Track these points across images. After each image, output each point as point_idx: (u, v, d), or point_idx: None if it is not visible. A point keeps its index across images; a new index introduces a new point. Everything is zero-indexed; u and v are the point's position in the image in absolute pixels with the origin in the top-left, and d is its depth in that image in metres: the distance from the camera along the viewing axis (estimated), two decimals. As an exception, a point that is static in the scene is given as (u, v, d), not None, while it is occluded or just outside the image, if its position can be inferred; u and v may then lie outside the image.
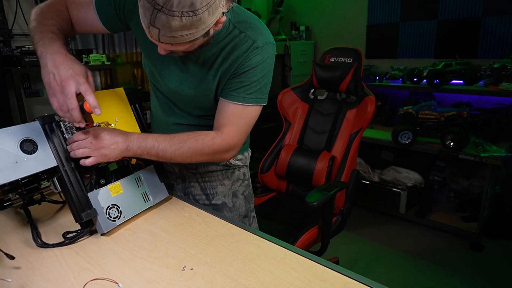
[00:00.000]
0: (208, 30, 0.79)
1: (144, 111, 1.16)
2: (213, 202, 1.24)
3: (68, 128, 0.93)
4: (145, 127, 1.11)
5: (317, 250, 1.65)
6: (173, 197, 1.13)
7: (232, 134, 1.00)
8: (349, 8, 3.36)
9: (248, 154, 1.30)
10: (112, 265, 0.80)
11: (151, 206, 1.04)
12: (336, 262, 2.13)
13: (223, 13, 0.81)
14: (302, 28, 3.61)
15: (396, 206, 2.77)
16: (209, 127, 1.03)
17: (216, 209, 1.22)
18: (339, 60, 1.89)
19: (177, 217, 1.01)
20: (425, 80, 2.62)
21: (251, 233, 0.91)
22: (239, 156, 1.25)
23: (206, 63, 0.99)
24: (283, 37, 3.60)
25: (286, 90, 2.00)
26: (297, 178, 1.87)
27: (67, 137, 0.92)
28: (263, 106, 1.04)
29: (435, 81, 2.55)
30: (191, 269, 0.78)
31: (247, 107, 1.00)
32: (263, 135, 3.30)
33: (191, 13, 0.72)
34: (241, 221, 1.26)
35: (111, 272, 0.77)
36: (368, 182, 2.91)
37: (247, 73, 0.97)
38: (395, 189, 2.76)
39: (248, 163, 1.31)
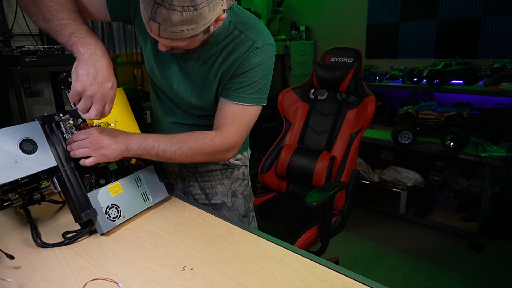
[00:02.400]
0: (209, 27, 0.80)
1: (144, 111, 1.16)
2: (213, 201, 1.24)
3: (68, 128, 0.93)
4: (145, 127, 1.11)
5: (317, 250, 1.65)
6: (173, 197, 1.13)
7: (232, 134, 1.00)
8: (349, 8, 3.36)
9: (247, 153, 1.30)
10: (112, 265, 0.80)
11: (151, 206, 1.04)
12: (336, 262, 2.13)
13: (223, 10, 0.81)
14: (302, 28, 3.61)
15: (396, 206, 2.76)
16: (209, 127, 1.03)
17: (215, 209, 1.22)
18: (339, 60, 1.89)
19: (177, 217, 1.01)
20: (425, 80, 2.61)
21: (251, 233, 0.91)
22: (239, 156, 1.25)
23: (206, 63, 1.00)
24: (283, 37, 3.59)
25: (287, 90, 2.00)
26: (297, 178, 1.87)
27: (67, 137, 0.92)
28: (263, 106, 1.04)
29: (435, 81, 2.55)
30: (191, 269, 0.78)
31: (247, 107, 1.00)
32: (263, 135, 3.30)
33: (191, 8, 0.72)
34: (241, 221, 1.26)
35: (111, 272, 0.77)
36: (368, 182, 2.91)
37: (247, 73, 0.97)
38: (395, 189, 2.76)
39: (247, 162, 1.31)
